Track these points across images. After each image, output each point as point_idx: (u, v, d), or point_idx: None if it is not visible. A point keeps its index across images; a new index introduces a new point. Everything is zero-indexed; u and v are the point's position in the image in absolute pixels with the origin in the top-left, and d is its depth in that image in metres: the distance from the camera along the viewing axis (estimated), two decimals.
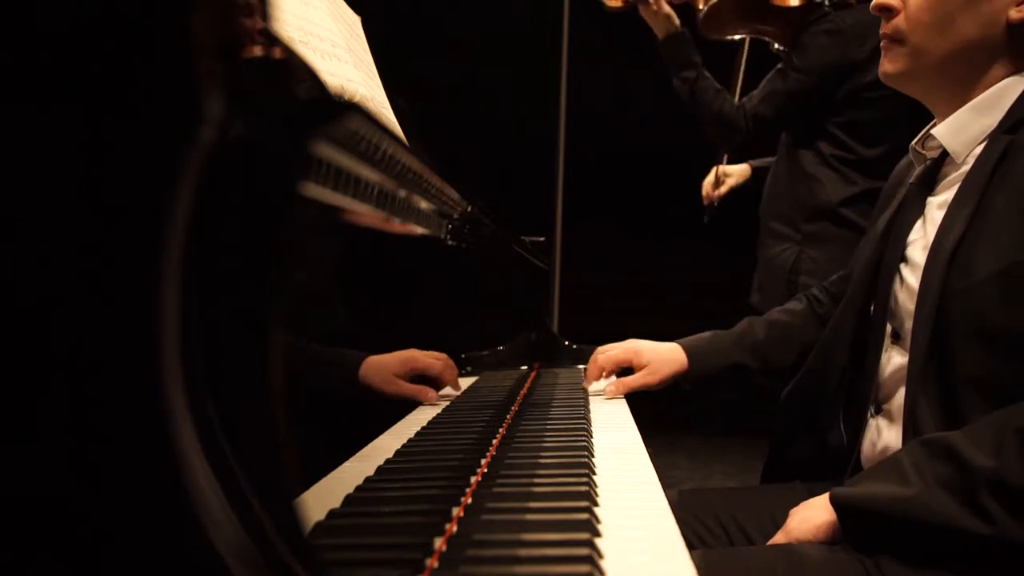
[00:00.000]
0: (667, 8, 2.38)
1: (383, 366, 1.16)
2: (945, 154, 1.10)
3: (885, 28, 1.11)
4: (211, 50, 0.32)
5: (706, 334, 1.46)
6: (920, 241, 1.10)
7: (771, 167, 2.49)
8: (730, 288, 2.93)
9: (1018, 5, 1.03)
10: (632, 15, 2.43)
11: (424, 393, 1.21)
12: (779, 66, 2.35)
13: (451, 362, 1.29)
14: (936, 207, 1.09)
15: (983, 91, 1.06)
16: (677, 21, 2.39)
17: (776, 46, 2.52)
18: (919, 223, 1.12)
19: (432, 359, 1.26)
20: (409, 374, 1.21)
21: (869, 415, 1.14)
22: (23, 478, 0.31)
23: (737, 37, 2.60)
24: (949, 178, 1.10)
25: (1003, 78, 1.05)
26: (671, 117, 2.60)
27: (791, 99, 2.28)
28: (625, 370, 1.45)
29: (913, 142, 1.17)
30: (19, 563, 0.31)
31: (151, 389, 0.31)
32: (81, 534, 0.31)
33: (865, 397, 1.14)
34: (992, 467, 0.87)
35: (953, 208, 1.04)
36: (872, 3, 1.12)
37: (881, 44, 1.12)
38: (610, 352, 1.44)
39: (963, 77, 1.07)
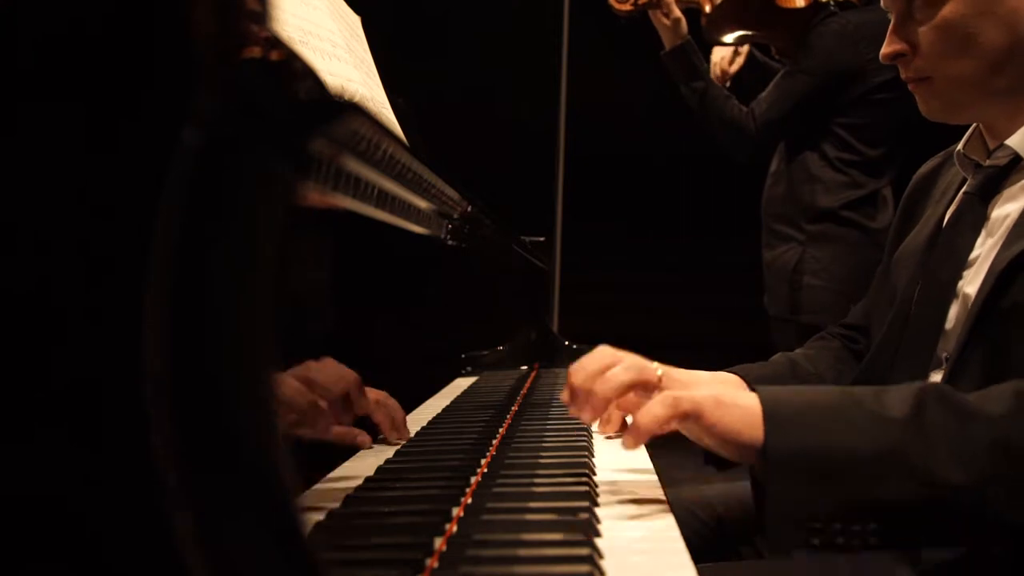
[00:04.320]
0: (677, 11, 2.37)
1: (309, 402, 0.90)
2: (1013, 163, 1.00)
3: (906, 73, 1.04)
4: (211, 50, 0.32)
5: (752, 364, 1.18)
6: (983, 254, 0.99)
7: (769, 168, 2.48)
8: (731, 288, 2.93)
9: None
10: (637, 22, 2.43)
11: (352, 436, 0.96)
12: (785, 69, 2.35)
13: (393, 405, 1.06)
14: (1003, 218, 0.99)
15: None
16: (685, 27, 2.38)
17: (776, 51, 2.51)
18: (982, 236, 1.01)
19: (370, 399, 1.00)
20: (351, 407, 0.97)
21: None
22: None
23: (734, 39, 2.58)
24: (1020, 184, 0.99)
25: None
26: (671, 116, 2.60)
27: (800, 101, 2.27)
28: None
29: (959, 147, 1.08)
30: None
31: (133, 397, 0.31)
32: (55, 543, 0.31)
33: None
34: (999, 414, 0.72)
35: None
36: (881, 56, 1.05)
37: (909, 88, 1.05)
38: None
39: (1013, 84, 0.99)
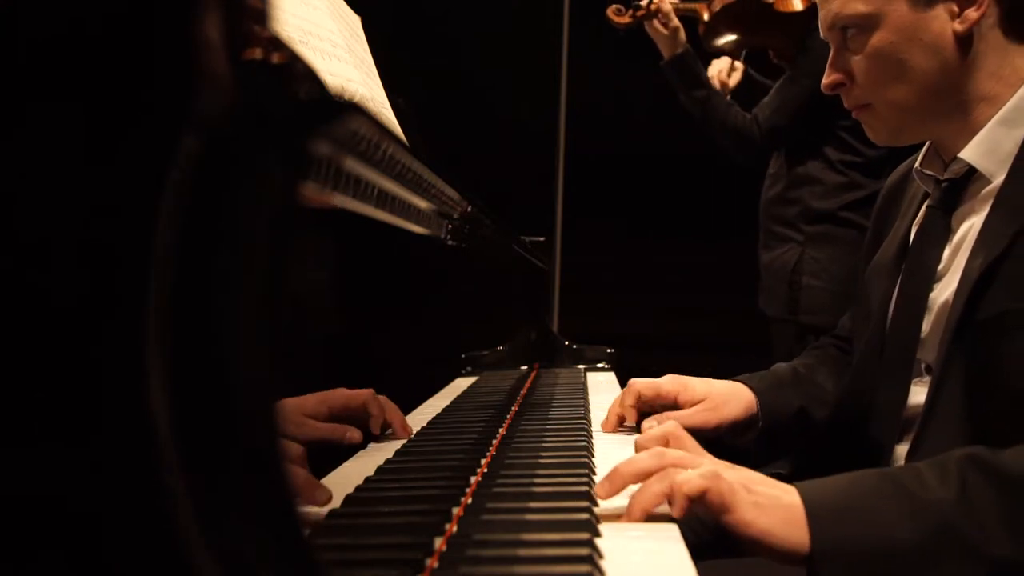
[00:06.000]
0: (676, 20, 2.37)
1: (293, 407, 0.95)
2: (970, 173, 1.02)
3: (848, 101, 1.08)
4: (212, 50, 0.32)
5: (759, 373, 1.21)
6: (952, 265, 1.01)
7: (768, 170, 2.48)
8: (731, 288, 2.93)
9: (958, 17, 0.98)
10: (636, 32, 2.43)
11: (341, 432, 0.96)
12: (787, 74, 2.35)
13: (383, 400, 1.05)
14: (967, 229, 1.00)
15: (981, 105, 1.00)
16: (683, 36, 2.38)
17: (774, 55, 2.51)
18: (948, 248, 1.03)
19: (353, 393, 1.02)
20: (328, 416, 0.99)
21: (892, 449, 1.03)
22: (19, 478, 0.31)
23: (732, 45, 2.58)
24: (981, 195, 1.00)
25: (991, 86, 0.99)
26: (672, 117, 2.61)
27: (804, 105, 2.27)
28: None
29: (917, 164, 1.10)
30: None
31: (134, 397, 0.31)
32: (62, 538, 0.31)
33: (889, 433, 1.04)
34: None
35: (993, 225, 0.95)
36: (822, 86, 1.08)
37: (854, 116, 1.09)
38: (652, 381, 1.13)
39: (951, 105, 1.01)
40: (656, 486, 0.69)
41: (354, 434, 0.97)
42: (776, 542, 0.68)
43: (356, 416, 1.00)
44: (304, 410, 0.96)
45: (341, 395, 1.01)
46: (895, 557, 0.68)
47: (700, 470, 0.69)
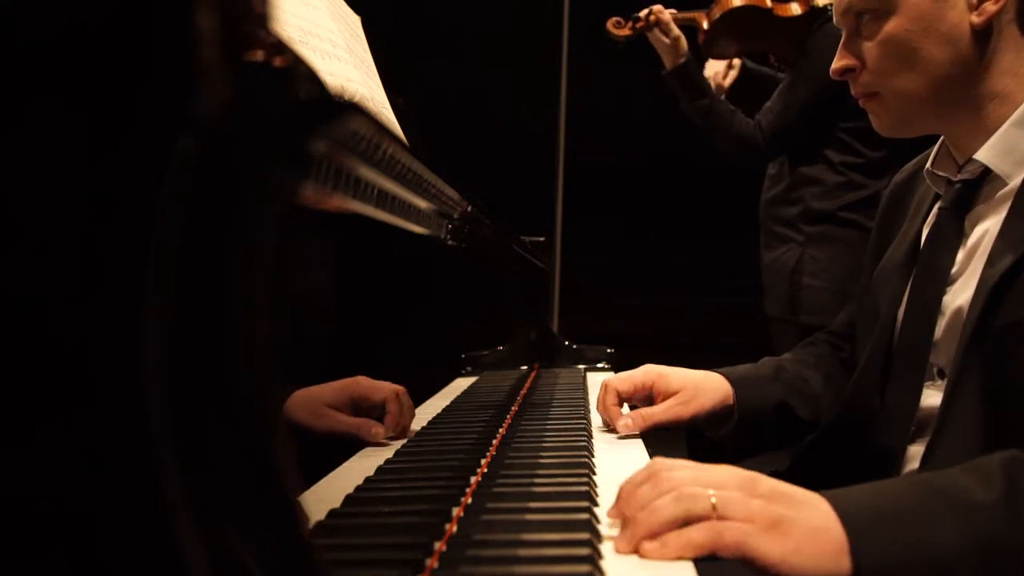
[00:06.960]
0: (677, 29, 2.37)
1: (312, 396, 0.96)
2: (984, 174, 1.00)
3: (855, 89, 1.06)
4: (213, 51, 0.32)
5: (741, 366, 1.21)
6: (966, 269, 1.00)
7: (768, 171, 2.48)
8: (731, 289, 2.93)
9: (976, 9, 0.97)
10: (635, 45, 2.43)
11: (367, 428, 0.97)
12: (788, 79, 2.35)
13: (404, 395, 1.04)
14: (982, 232, 0.99)
15: (994, 102, 0.99)
16: (685, 45, 2.38)
17: (775, 59, 2.51)
18: (961, 251, 1.01)
19: (378, 385, 1.01)
20: (350, 404, 1.00)
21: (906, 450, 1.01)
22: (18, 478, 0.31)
23: (733, 52, 2.58)
24: (996, 197, 0.98)
25: (1005, 83, 0.98)
26: (672, 116, 2.60)
27: (806, 109, 2.27)
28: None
29: (928, 165, 1.09)
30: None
31: (134, 397, 0.31)
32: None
33: (900, 436, 1.02)
34: None
35: (1013, 229, 0.93)
36: (831, 71, 1.07)
37: (860, 104, 1.08)
38: (625, 376, 1.15)
39: (963, 98, 1.00)
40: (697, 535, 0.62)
41: (379, 430, 0.98)
42: (812, 572, 0.62)
43: (373, 409, 1.00)
44: (323, 399, 0.96)
45: (363, 385, 1.00)
46: (943, 568, 0.64)
47: (703, 525, 0.62)
